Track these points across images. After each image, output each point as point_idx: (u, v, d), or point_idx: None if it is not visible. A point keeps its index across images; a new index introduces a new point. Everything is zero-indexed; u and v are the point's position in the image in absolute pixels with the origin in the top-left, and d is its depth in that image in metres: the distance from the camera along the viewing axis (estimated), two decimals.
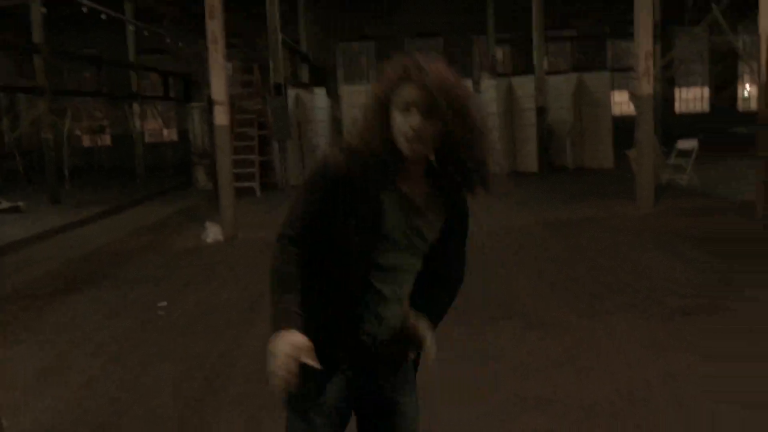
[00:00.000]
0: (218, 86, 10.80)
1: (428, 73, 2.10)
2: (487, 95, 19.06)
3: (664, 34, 25.23)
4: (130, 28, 21.69)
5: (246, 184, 16.96)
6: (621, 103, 27.38)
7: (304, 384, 2.08)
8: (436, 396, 3.97)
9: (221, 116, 10.83)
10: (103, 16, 15.24)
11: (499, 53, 28.14)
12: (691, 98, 29.41)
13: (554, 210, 12.14)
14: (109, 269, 9.40)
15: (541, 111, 17.79)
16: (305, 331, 2.08)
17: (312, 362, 2.00)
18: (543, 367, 5.04)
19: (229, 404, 4.59)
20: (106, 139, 29.82)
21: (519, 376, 4.89)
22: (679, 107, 28.90)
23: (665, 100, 26.03)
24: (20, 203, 15.76)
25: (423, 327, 2.25)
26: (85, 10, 14.64)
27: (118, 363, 5.55)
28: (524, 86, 18.68)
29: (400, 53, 2.24)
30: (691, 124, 25.99)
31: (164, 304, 7.25)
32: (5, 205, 15.75)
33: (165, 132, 30.25)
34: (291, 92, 17.74)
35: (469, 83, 19.06)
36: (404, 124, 2.09)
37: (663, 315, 5.97)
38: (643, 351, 5.16)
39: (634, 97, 11.82)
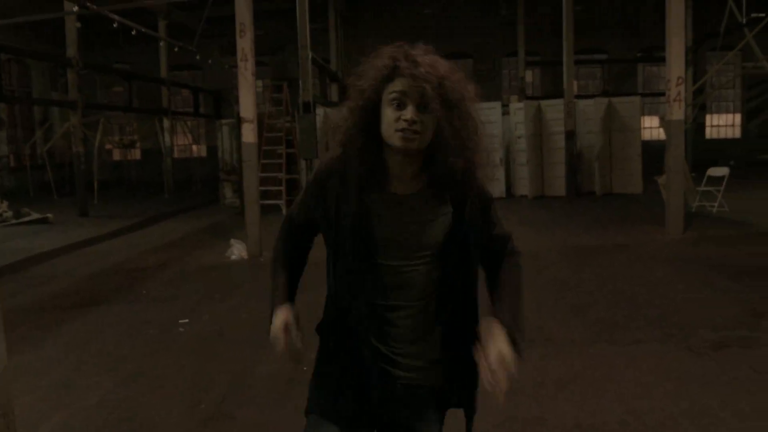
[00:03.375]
0: (247, 104, 10.83)
1: (419, 63, 2.01)
2: (515, 118, 19.00)
3: (696, 60, 25.07)
4: (162, 44, 21.88)
5: (272, 201, 16.98)
6: (651, 128, 27.12)
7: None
8: None
9: (249, 134, 10.85)
10: (133, 32, 15.37)
11: (529, 76, 28.05)
12: (723, 124, 29.06)
13: (579, 235, 11.98)
14: (131, 284, 9.41)
15: (569, 135, 17.64)
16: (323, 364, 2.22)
17: (296, 334, 2.16)
18: (544, 388, 4.93)
19: (238, 430, 4.52)
20: (136, 154, 30.13)
21: (515, 395, 4.77)
22: (710, 133, 28.58)
23: (696, 125, 25.82)
24: (49, 215, 15.91)
25: (496, 355, 1.95)
26: (116, 25, 14.76)
27: (131, 380, 5.51)
28: (553, 109, 18.58)
29: (387, 46, 2.11)
30: (722, 150, 25.74)
31: (186, 321, 7.22)
32: (34, 216, 15.93)
33: (194, 148, 30.48)
34: (320, 111, 17.74)
35: (498, 105, 19.08)
36: (397, 118, 1.99)
37: (693, 348, 5.74)
38: (667, 383, 4.96)
39: (665, 123, 11.67)
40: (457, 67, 2.13)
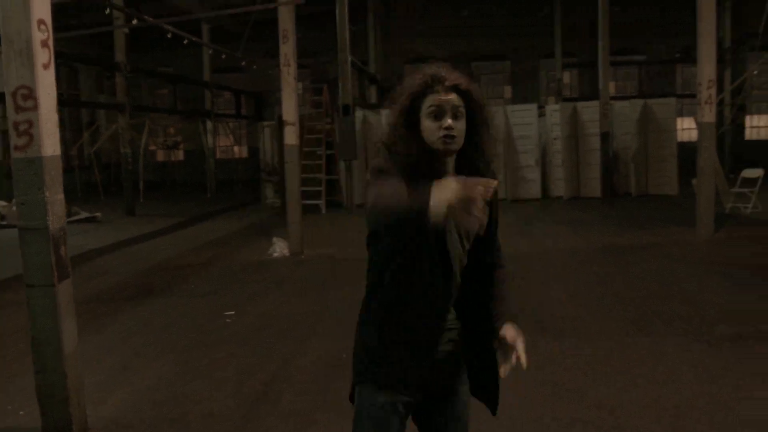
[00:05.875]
0: (289, 107, 11.27)
1: (448, 80, 2.44)
2: (551, 119, 19.21)
3: (735, 60, 24.97)
4: (206, 48, 22.51)
5: (312, 201, 17.44)
6: (689, 129, 27.05)
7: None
8: None
9: (291, 136, 11.29)
10: (185, 41, 15.91)
11: (567, 77, 28.17)
12: (763, 125, 28.85)
13: (612, 235, 12.22)
14: (179, 280, 9.91)
15: (605, 136, 17.81)
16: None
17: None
18: (570, 371, 5.28)
19: (282, 412, 4.93)
20: (179, 155, 30.87)
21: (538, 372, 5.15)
22: (750, 134, 28.41)
23: (736, 126, 25.70)
24: (97, 214, 16.57)
25: (512, 334, 2.44)
26: (169, 36, 15.33)
27: (183, 366, 5.96)
28: (589, 111, 18.74)
29: (418, 68, 2.54)
30: (762, 151, 25.59)
31: (232, 313, 7.67)
32: (83, 215, 16.58)
33: (236, 149, 31.16)
34: (359, 113, 18.17)
35: (533, 107, 19.33)
36: (438, 127, 2.41)
37: (712, 340, 6.04)
38: (684, 371, 5.30)
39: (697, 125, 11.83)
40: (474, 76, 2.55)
